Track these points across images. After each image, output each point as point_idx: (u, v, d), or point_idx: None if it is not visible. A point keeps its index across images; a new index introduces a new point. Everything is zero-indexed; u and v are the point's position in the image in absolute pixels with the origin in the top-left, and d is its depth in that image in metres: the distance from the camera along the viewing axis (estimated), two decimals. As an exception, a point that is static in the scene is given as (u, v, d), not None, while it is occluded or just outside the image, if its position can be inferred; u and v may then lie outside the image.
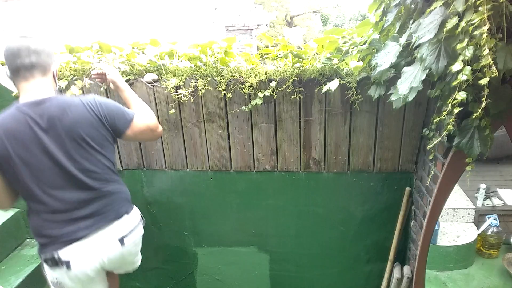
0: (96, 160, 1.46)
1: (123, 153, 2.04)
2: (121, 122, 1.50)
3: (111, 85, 1.69)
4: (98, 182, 1.48)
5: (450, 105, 1.08)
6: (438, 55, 1.08)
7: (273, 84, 1.73)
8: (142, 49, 1.93)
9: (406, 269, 1.88)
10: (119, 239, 1.53)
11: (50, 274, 1.48)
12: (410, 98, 1.18)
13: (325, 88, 1.57)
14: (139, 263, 1.75)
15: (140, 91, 1.87)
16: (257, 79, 1.74)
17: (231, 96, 1.80)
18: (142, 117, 1.57)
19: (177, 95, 1.83)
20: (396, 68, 1.38)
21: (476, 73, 1.00)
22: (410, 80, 1.17)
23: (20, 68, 1.37)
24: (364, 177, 1.91)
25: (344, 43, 1.70)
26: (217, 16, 12.38)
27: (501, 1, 0.96)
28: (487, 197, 2.65)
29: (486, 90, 1.00)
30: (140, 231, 1.65)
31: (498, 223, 2.48)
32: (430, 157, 1.48)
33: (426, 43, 1.11)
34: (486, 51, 0.95)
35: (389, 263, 1.95)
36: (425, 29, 1.10)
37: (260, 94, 1.75)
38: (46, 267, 1.48)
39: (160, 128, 1.65)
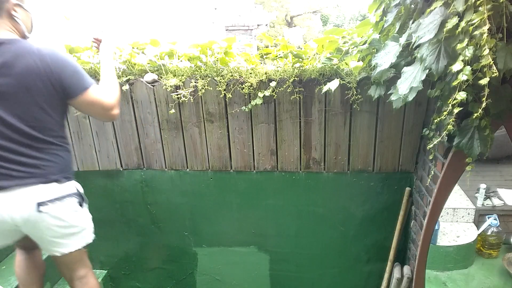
0: (40, 117, 1.39)
1: (123, 153, 2.04)
2: (74, 87, 1.41)
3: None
4: (37, 140, 1.41)
5: (450, 105, 1.08)
6: (438, 55, 1.08)
7: (273, 84, 1.73)
8: (142, 49, 1.93)
9: (406, 269, 1.88)
10: (37, 203, 1.42)
11: None
12: (410, 98, 1.18)
13: (325, 88, 1.57)
14: (67, 250, 1.58)
15: (140, 91, 1.87)
16: (257, 79, 1.74)
17: (231, 96, 1.80)
18: (100, 91, 1.47)
19: (177, 95, 1.83)
20: (396, 68, 1.38)
21: (476, 73, 1.00)
22: (410, 80, 1.17)
23: None
24: (364, 177, 1.91)
25: (344, 43, 1.70)
26: (217, 16, 12.37)
27: (501, 1, 0.96)
28: (487, 197, 2.65)
29: (486, 90, 1.00)
30: (68, 209, 1.51)
31: (498, 223, 2.48)
32: (430, 157, 1.48)
33: (426, 43, 1.11)
34: (486, 51, 0.95)
35: (389, 263, 1.95)
36: (425, 29, 1.10)
37: (260, 94, 1.75)
38: None
39: (115, 111, 1.51)
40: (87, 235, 1.65)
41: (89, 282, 1.74)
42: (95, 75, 1.89)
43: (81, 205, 1.59)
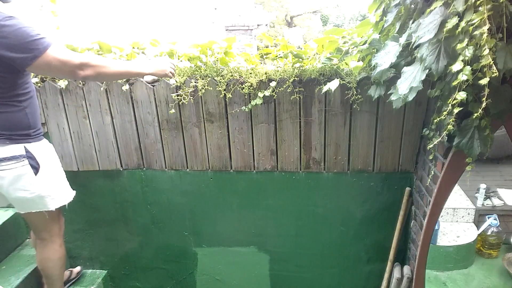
0: None
1: (123, 153, 2.04)
2: (19, 57, 1.37)
3: None
4: None
5: (450, 105, 1.08)
6: (438, 55, 1.08)
7: (273, 84, 1.73)
8: (142, 49, 1.94)
9: (406, 269, 1.88)
10: None
11: None
12: (410, 98, 1.18)
13: (325, 88, 1.57)
14: (20, 210, 1.66)
15: (140, 91, 1.87)
16: (257, 79, 1.74)
17: (231, 96, 1.80)
18: (60, 50, 1.40)
19: (177, 95, 1.83)
20: (396, 68, 1.38)
21: (476, 73, 1.00)
22: (410, 80, 1.17)
23: None
24: (364, 177, 1.91)
25: (344, 43, 1.70)
26: (217, 16, 12.37)
27: (501, 1, 0.96)
28: (487, 197, 2.65)
29: (486, 90, 1.00)
30: (15, 171, 1.53)
31: (498, 223, 2.48)
32: (430, 157, 1.48)
33: (426, 43, 1.11)
34: (486, 51, 0.95)
35: (389, 263, 1.95)
36: (425, 29, 1.10)
37: (260, 94, 1.75)
38: None
39: (82, 72, 1.44)
40: (46, 202, 1.65)
41: (49, 246, 1.79)
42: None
43: (35, 170, 1.57)
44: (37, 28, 1.40)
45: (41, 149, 1.62)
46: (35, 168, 1.58)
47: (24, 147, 1.55)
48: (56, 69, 1.43)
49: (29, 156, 1.56)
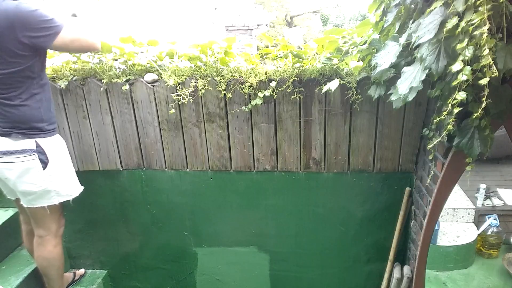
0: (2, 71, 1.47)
1: (123, 153, 2.04)
2: (41, 37, 1.45)
3: None
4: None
5: (450, 105, 1.08)
6: (438, 55, 1.08)
7: (273, 84, 1.73)
8: (141, 45, 1.93)
9: (406, 269, 1.88)
10: None
11: None
12: (410, 98, 1.18)
13: (325, 88, 1.57)
14: (25, 203, 1.69)
15: (140, 91, 1.87)
16: (257, 79, 1.74)
17: (231, 96, 1.80)
18: (72, 30, 1.52)
19: (177, 95, 1.82)
20: (396, 68, 1.38)
21: (476, 73, 1.00)
22: (410, 80, 1.17)
23: None
24: (364, 177, 1.91)
25: (344, 43, 1.70)
26: (217, 16, 12.37)
27: (501, 1, 0.96)
28: (487, 197, 2.65)
29: (486, 90, 1.00)
30: (24, 164, 1.58)
31: (498, 223, 2.48)
32: (430, 157, 1.48)
33: (426, 43, 1.11)
34: (486, 51, 0.95)
35: (389, 263, 1.95)
36: (425, 29, 1.10)
37: (260, 94, 1.75)
38: None
39: (94, 44, 1.60)
40: (51, 196, 1.69)
41: (44, 245, 1.80)
42: (95, 75, 1.90)
43: (44, 164, 1.62)
44: (48, 10, 1.47)
45: (53, 144, 1.66)
46: (44, 162, 1.62)
47: (36, 141, 1.60)
48: (77, 43, 1.53)
49: (39, 151, 1.60)
